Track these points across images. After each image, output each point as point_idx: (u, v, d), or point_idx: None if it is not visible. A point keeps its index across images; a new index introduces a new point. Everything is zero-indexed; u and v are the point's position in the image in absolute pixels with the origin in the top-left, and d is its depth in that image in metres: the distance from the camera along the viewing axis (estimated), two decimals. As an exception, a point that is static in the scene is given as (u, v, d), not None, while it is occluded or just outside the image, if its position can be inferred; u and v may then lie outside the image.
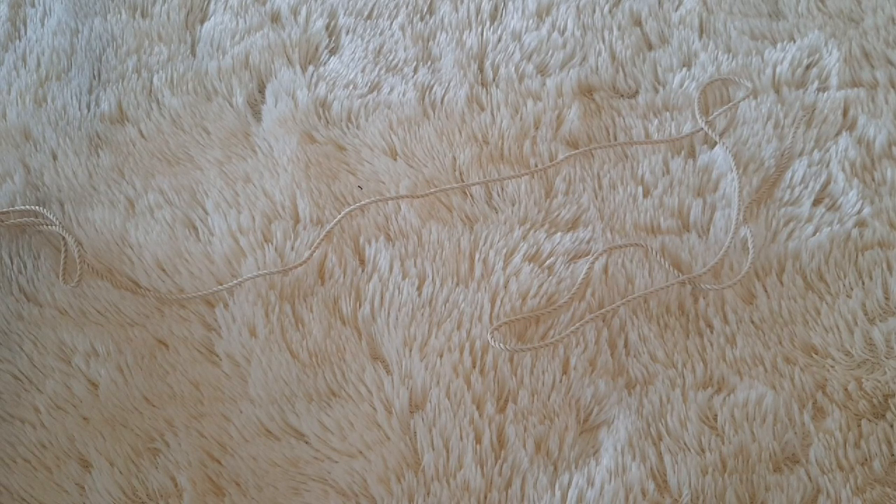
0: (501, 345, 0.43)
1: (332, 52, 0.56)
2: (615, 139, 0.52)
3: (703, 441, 0.40)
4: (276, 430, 0.41)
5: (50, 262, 0.46)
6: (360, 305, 0.45)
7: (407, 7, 0.58)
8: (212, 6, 0.59)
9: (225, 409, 0.42)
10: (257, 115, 0.53)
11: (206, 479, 0.40)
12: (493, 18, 0.58)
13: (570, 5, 0.58)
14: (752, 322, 0.44)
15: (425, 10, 0.58)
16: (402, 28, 0.57)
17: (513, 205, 0.49)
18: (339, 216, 0.48)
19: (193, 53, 0.56)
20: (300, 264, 0.46)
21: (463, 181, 0.50)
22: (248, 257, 0.47)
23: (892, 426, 0.41)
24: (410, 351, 0.43)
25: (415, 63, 0.55)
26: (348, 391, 0.42)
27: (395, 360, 0.43)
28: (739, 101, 0.52)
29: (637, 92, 0.54)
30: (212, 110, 0.53)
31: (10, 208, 0.48)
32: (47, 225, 0.47)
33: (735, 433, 0.41)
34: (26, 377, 0.43)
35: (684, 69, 0.54)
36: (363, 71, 0.55)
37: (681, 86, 0.54)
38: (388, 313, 0.44)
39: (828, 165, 0.50)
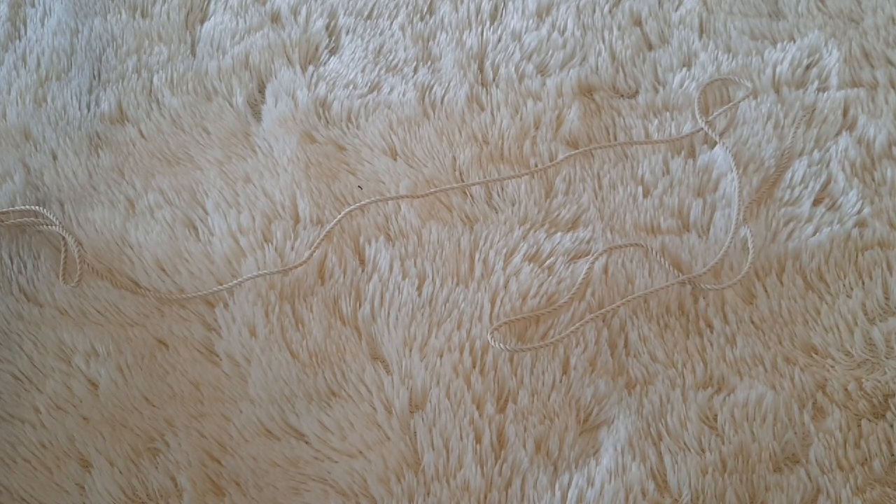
0: (501, 345, 0.43)
1: (332, 52, 0.56)
2: (615, 139, 0.52)
3: (703, 441, 0.40)
4: (276, 430, 0.41)
5: (50, 262, 0.46)
6: (360, 305, 0.45)
7: (407, 7, 0.58)
8: (212, 6, 0.59)
9: (225, 409, 0.42)
10: (257, 115, 0.53)
11: (206, 479, 0.40)
12: (493, 18, 0.58)
13: (570, 5, 0.58)
14: (752, 322, 0.44)
15: (425, 10, 0.58)
16: (402, 28, 0.57)
17: (513, 205, 0.49)
18: (339, 216, 0.48)
19: (193, 53, 0.56)
20: (300, 264, 0.46)
21: (463, 181, 0.50)
22: (248, 257, 0.47)
23: (892, 426, 0.41)
24: (410, 351, 0.43)
25: (415, 63, 0.55)
26: (348, 391, 0.42)
27: (395, 360, 0.43)
28: (739, 101, 0.52)
29: (637, 92, 0.54)
30: (212, 110, 0.53)
31: (10, 208, 0.48)
32: (47, 225, 0.47)
33: (735, 433, 0.41)
34: (26, 377, 0.43)
35: (684, 69, 0.54)
36: (363, 71, 0.55)
37: (681, 86, 0.54)
38: (388, 313, 0.44)
39: (828, 165, 0.50)
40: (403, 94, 0.53)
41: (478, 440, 0.41)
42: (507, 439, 0.41)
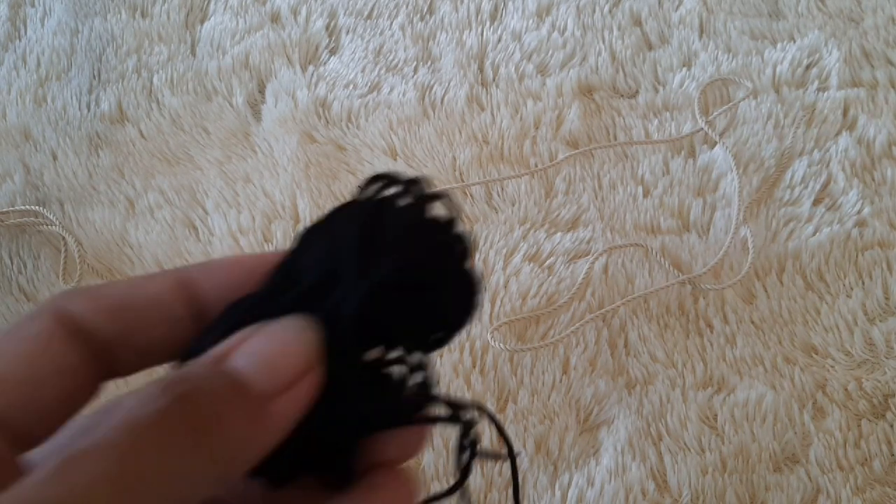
0: (501, 345, 0.43)
1: (332, 52, 0.56)
2: (615, 139, 0.52)
3: (703, 441, 0.40)
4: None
5: (50, 262, 0.46)
6: (360, 305, 0.45)
7: (407, 7, 0.58)
8: (212, 6, 0.59)
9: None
10: (257, 115, 0.53)
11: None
12: (493, 18, 0.58)
13: (570, 5, 0.58)
14: (752, 322, 0.44)
15: (425, 10, 0.58)
16: (402, 28, 0.57)
17: (513, 205, 0.49)
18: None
19: (193, 53, 0.56)
20: (300, 264, 0.46)
21: (463, 181, 0.50)
22: (248, 257, 0.47)
23: (892, 426, 0.41)
24: (410, 351, 0.43)
25: (415, 63, 0.55)
26: (348, 391, 0.42)
27: (395, 360, 0.43)
28: (739, 101, 0.52)
29: (637, 92, 0.54)
30: (212, 110, 0.53)
31: (10, 208, 0.48)
32: (47, 225, 0.47)
33: (735, 433, 0.41)
34: (26, 377, 0.43)
35: (684, 69, 0.54)
36: (363, 71, 0.55)
37: (681, 86, 0.54)
38: (388, 313, 0.44)
39: (828, 165, 0.50)
40: (403, 94, 0.53)
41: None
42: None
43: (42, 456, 0.17)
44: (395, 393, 0.20)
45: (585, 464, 0.40)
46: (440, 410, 0.21)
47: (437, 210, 0.20)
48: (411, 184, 0.20)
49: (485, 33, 0.57)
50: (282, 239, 0.47)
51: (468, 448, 0.22)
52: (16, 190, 0.49)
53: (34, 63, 0.55)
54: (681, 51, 0.56)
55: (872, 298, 0.45)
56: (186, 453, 0.15)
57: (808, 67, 0.54)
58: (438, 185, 0.49)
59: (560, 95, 0.53)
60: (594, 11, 0.58)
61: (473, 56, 0.56)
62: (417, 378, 0.20)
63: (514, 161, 0.51)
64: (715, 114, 0.52)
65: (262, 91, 0.54)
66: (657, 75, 0.55)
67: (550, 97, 0.53)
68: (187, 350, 0.19)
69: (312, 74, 0.55)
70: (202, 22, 0.58)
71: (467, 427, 0.21)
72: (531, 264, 0.46)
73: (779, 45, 0.55)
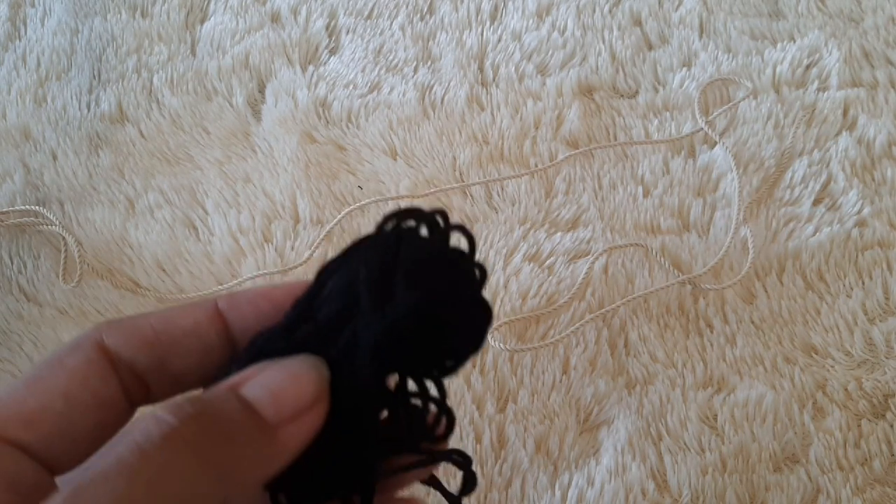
0: (501, 345, 0.43)
1: (332, 52, 0.56)
2: (615, 139, 0.52)
3: (703, 441, 0.40)
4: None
5: (50, 262, 0.46)
6: (360, 305, 0.45)
7: (407, 7, 0.58)
8: (212, 6, 0.59)
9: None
10: (257, 115, 0.53)
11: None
12: (493, 18, 0.58)
13: (570, 5, 0.58)
14: (752, 322, 0.44)
15: (425, 10, 0.58)
16: (402, 28, 0.57)
17: (513, 205, 0.49)
18: (339, 216, 0.48)
19: (193, 53, 0.56)
20: (300, 264, 0.46)
21: (463, 181, 0.50)
22: (248, 257, 0.47)
23: (892, 426, 0.41)
24: (410, 351, 0.43)
25: (415, 63, 0.55)
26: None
27: (395, 360, 0.43)
28: (739, 101, 0.52)
29: (637, 92, 0.54)
30: (212, 110, 0.53)
31: (10, 208, 0.48)
32: (47, 225, 0.47)
33: (735, 433, 0.41)
34: (26, 377, 0.43)
35: (684, 69, 0.54)
36: (363, 71, 0.55)
37: (681, 86, 0.54)
38: (388, 313, 0.44)
39: (828, 165, 0.50)
40: (403, 94, 0.53)
41: (478, 440, 0.41)
42: (507, 439, 0.41)
43: (72, 477, 0.18)
44: (411, 418, 0.21)
45: (585, 464, 0.40)
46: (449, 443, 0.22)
47: (455, 240, 0.21)
48: (430, 216, 0.20)
49: (485, 33, 0.57)
50: (281, 239, 0.47)
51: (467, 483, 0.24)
52: (16, 190, 0.49)
53: (34, 63, 0.55)
54: (681, 51, 0.56)
55: (872, 298, 0.45)
56: (194, 471, 0.16)
57: (808, 67, 0.54)
58: (438, 186, 0.49)
59: (560, 95, 0.53)
60: (594, 11, 0.58)
61: (473, 56, 0.56)
62: (431, 406, 0.22)
63: (514, 161, 0.51)
64: (715, 114, 0.52)
65: (262, 91, 0.54)
66: (657, 75, 0.55)
67: (550, 97, 0.53)
68: (214, 378, 0.20)
69: (312, 74, 0.55)
70: (202, 22, 0.58)
71: (469, 478, 0.23)
72: (531, 264, 0.46)
73: (779, 45, 0.55)
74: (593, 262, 0.46)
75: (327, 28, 0.58)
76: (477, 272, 0.21)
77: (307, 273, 0.46)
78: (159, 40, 0.57)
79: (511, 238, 0.47)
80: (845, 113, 0.52)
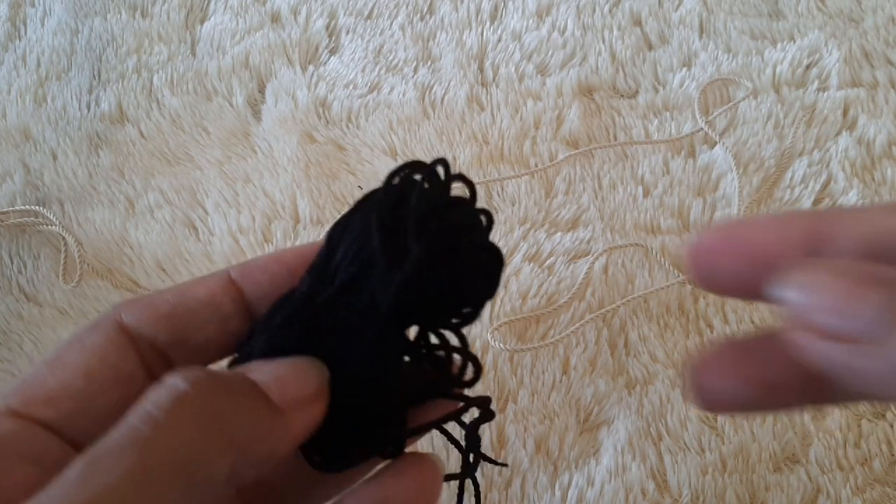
0: (501, 345, 0.43)
1: (332, 52, 0.56)
2: (615, 139, 0.52)
3: (703, 441, 0.40)
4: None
5: (50, 262, 0.46)
6: (360, 305, 0.45)
7: (407, 7, 0.58)
8: (212, 6, 0.59)
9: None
10: (257, 115, 0.53)
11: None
12: (493, 18, 0.58)
13: (570, 5, 0.58)
14: (753, 322, 0.44)
15: (425, 10, 0.58)
16: (402, 28, 0.57)
17: (513, 205, 0.49)
18: (339, 216, 0.48)
19: (193, 53, 0.56)
20: (300, 264, 0.46)
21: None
22: (248, 257, 0.47)
23: (892, 426, 0.41)
24: (410, 351, 0.43)
25: (415, 63, 0.55)
26: (348, 391, 0.42)
27: (395, 360, 0.43)
28: (739, 101, 0.52)
29: (637, 92, 0.54)
30: (212, 110, 0.53)
31: (10, 208, 0.48)
32: (47, 225, 0.47)
33: (735, 433, 0.41)
34: (26, 377, 0.43)
35: (684, 69, 0.54)
36: (363, 71, 0.55)
37: (681, 86, 0.54)
38: (388, 313, 0.44)
39: (828, 165, 0.50)
40: (403, 94, 0.53)
41: (478, 440, 0.41)
42: (507, 439, 0.41)
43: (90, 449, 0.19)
44: (437, 365, 0.22)
45: (585, 464, 0.40)
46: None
47: (458, 189, 0.21)
48: (430, 168, 0.21)
49: (485, 33, 0.57)
50: (282, 239, 0.47)
51: (473, 437, 0.25)
52: (16, 190, 0.49)
53: (34, 63, 0.55)
54: (681, 51, 0.56)
55: (872, 298, 0.45)
56: (204, 437, 0.16)
57: (808, 67, 0.54)
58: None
59: (560, 95, 0.53)
60: (594, 11, 0.58)
61: (473, 56, 0.56)
62: (454, 354, 0.22)
63: (514, 161, 0.51)
64: (715, 114, 0.52)
65: (262, 91, 0.54)
66: (657, 75, 0.55)
67: (550, 97, 0.53)
68: (236, 347, 0.21)
69: (312, 74, 0.55)
70: (202, 22, 0.58)
71: (487, 416, 0.24)
72: (531, 264, 0.46)
73: (779, 45, 0.55)
74: (593, 262, 0.46)
75: (327, 28, 0.58)
76: (483, 218, 0.22)
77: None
78: (159, 40, 0.57)
79: (511, 238, 0.47)
80: (845, 113, 0.52)
